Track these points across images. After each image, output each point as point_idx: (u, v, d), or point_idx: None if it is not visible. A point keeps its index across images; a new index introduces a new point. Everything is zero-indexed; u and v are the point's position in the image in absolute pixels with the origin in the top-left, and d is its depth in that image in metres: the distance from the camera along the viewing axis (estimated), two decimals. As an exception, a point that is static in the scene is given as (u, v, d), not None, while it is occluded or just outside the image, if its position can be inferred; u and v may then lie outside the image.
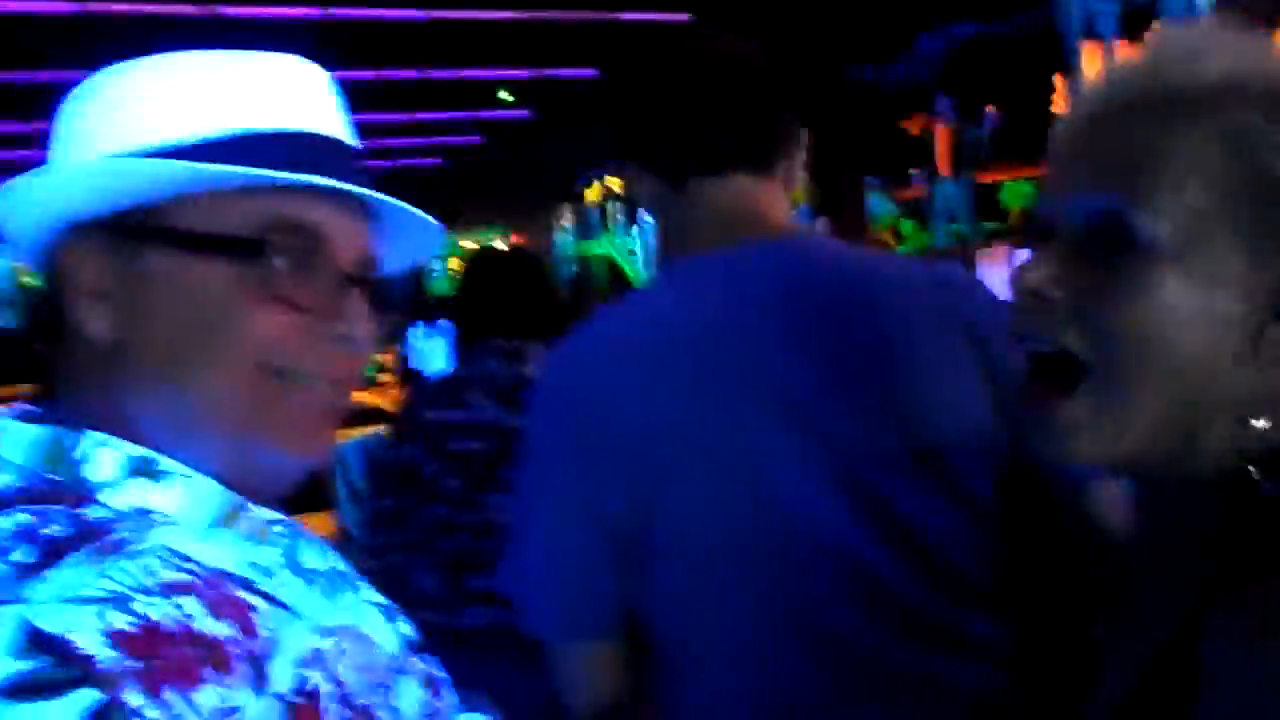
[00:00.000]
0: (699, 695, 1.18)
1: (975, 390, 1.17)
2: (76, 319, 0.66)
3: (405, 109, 14.26)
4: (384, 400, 11.55)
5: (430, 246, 0.82)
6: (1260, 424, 0.61)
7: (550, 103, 14.10)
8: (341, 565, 0.75)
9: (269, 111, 0.68)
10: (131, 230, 0.66)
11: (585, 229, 19.43)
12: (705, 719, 1.18)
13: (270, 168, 0.65)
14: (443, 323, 7.96)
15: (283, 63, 0.72)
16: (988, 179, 8.03)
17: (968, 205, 8.11)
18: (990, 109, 8.11)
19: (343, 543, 5.20)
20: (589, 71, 13.03)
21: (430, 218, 0.77)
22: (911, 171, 8.55)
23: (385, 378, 13.25)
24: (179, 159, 0.63)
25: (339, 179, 0.68)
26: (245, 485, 0.68)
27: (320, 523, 5.83)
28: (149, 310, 0.66)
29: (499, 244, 22.98)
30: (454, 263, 22.55)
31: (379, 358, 14.48)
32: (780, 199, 1.21)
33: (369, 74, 11.87)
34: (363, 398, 11.91)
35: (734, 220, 1.15)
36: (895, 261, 1.42)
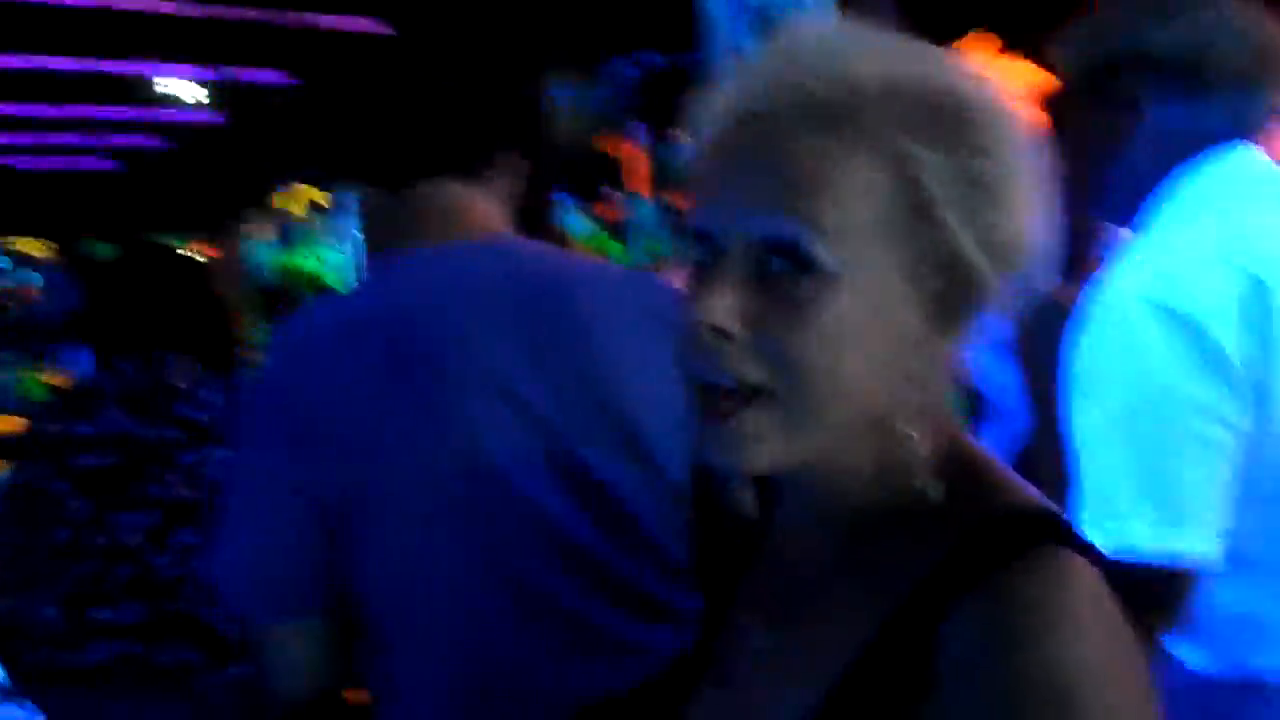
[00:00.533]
0: (412, 662, 1.20)
1: (670, 377, 1.25)
2: None
3: (73, 103, 12.95)
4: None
5: None
6: (916, 435, 0.63)
7: (242, 107, 13.30)
8: None
9: None
10: None
11: (286, 239, 18.45)
12: (419, 683, 1.20)
13: None
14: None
15: None
16: (681, 201, 8.50)
17: (663, 225, 8.53)
18: (681, 134, 8.59)
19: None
20: (282, 76, 12.43)
21: None
22: (608, 190, 8.89)
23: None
24: None
25: None
26: None
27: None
28: None
29: (193, 255, 21.28)
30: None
31: (49, 378, 13.02)
32: (491, 206, 1.26)
33: (27, 61, 10.69)
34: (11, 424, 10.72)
35: (444, 222, 1.21)
36: (593, 262, 1.53)
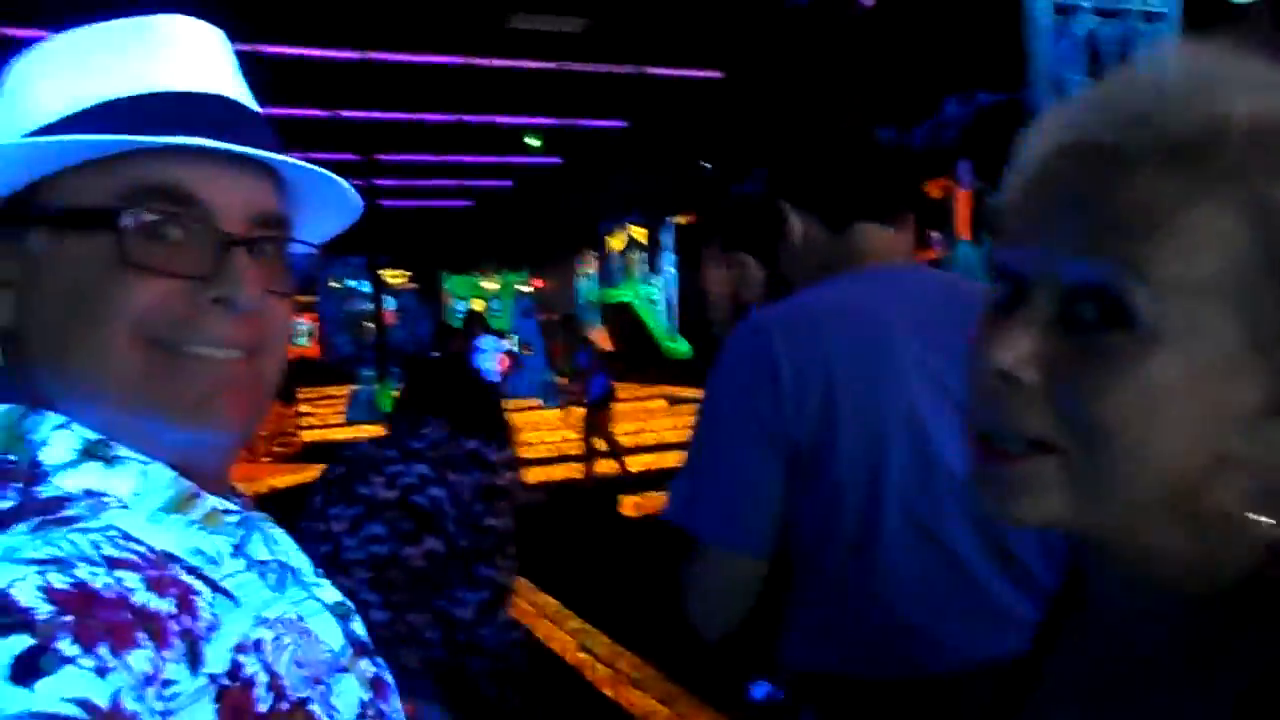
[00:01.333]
0: (832, 604, 1.39)
1: None
2: None
3: (438, 151, 14.57)
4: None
5: (348, 211, 0.77)
6: (1266, 521, 0.55)
7: (578, 151, 14.34)
8: (296, 560, 0.73)
9: (143, 75, 0.66)
10: (16, 215, 0.65)
11: (608, 275, 19.64)
12: (833, 623, 1.39)
13: (134, 132, 0.63)
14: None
15: (169, 24, 0.69)
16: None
17: (984, 268, 8.18)
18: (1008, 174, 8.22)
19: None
20: (617, 122, 13.28)
21: (337, 177, 0.72)
22: (932, 234, 8.65)
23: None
24: (53, 135, 0.63)
25: (216, 137, 0.64)
26: (175, 463, 0.67)
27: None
28: (38, 293, 0.65)
29: (523, 286, 23.33)
30: (477, 304, 22.88)
31: (396, 393, 14.62)
32: (903, 245, 1.53)
33: (407, 116, 12.17)
34: (376, 430, 12.13)
35: (872, 255, 1.48)
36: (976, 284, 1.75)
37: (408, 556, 1.91)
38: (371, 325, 17.25)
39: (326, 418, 13.62)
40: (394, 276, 21.57)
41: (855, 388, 1.33)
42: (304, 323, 21.69)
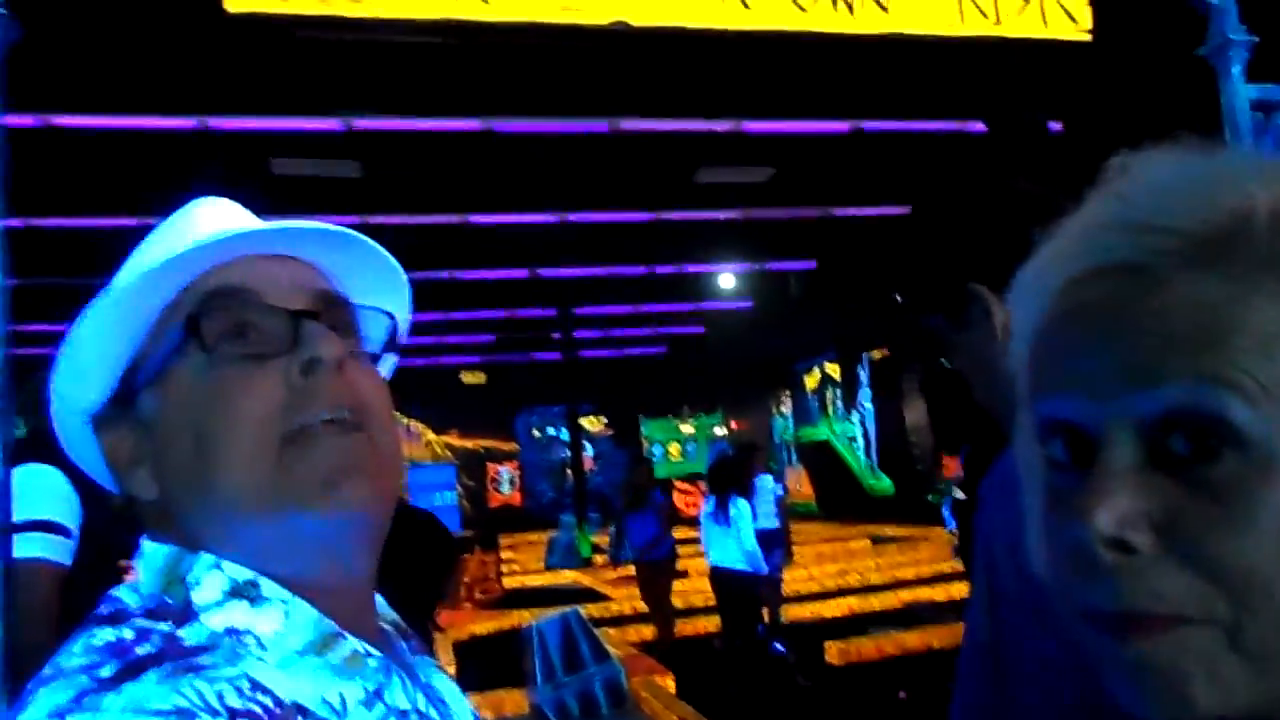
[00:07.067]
0: None
1: None
2: (131, 494, 0.70)
3: (632, 301, 15.14)
4: (593, 580, 11.82)
5: (397, 280, 0.80)
6: None
7: (768, 293, 14.53)
8: (434, 711, 0.73)
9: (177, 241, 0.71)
10: (123, 398, 0.69)
11: (804, 414, 19.50)
12: None
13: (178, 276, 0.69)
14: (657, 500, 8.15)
15: (198, 206, 0.76)
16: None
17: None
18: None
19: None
20: (805, 264, 13.43)
21: (367, 239, 0.76)
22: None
23: (600, 559, 13.64)
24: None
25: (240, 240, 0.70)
26: (320, 576, 0.68)
27: (512, 700, 5.89)
28: (163, 448, 0.68)
29: (719, 429, 23.49)
30: (674, 448, 23.15)
31: (595, 539, 14.84)
32: None
33: (601, 270, 12.77)
34: (574, 577, 12.27)
35: None
36: None
37: None
38: (570, 472, 17.76)
39: (527, 564, 13.88)
40: (592, 423, 22.21)
41: None
42: (507, 471, 22.55)
